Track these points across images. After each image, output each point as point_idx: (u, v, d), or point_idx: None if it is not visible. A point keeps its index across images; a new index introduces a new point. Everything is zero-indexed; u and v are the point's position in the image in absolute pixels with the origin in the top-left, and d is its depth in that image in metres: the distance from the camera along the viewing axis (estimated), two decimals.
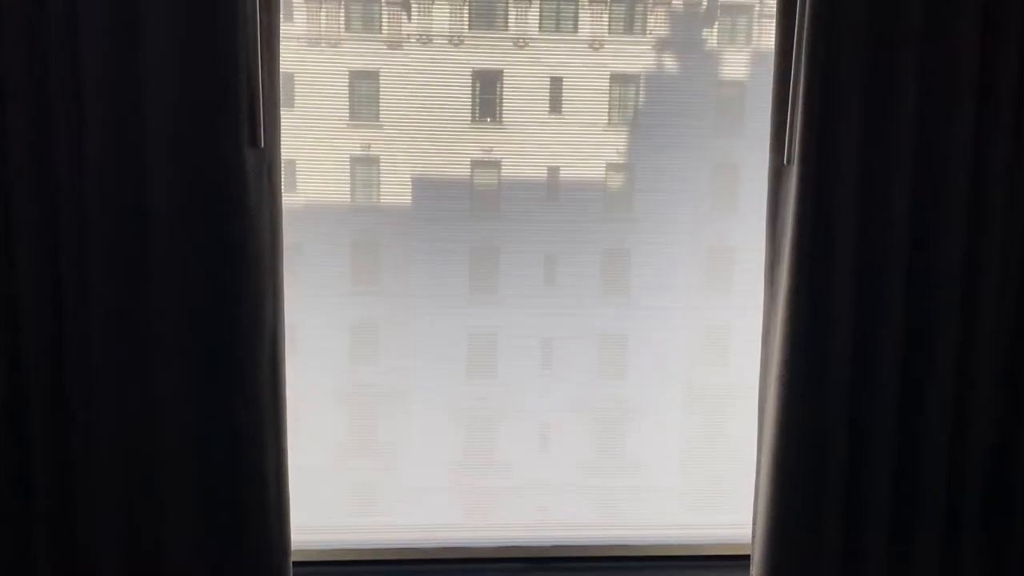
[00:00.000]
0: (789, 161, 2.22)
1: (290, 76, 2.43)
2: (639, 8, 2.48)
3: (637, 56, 2.49)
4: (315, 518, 2.51)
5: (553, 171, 2.53)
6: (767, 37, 2.41)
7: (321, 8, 2.43)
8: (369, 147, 2.48)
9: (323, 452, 2.53)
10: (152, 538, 2.17)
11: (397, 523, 2.59)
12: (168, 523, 2.18)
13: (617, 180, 2.55)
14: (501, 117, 2.51)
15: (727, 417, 2.41)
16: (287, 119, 2.44)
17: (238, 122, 2.09)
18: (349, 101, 2.47)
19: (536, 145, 2.51)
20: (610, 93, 2.51)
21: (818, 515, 2.28)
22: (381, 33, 2.45)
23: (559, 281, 2.55)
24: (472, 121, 2.50)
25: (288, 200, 2.46)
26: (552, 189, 2.52)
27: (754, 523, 2.38)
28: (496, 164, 2.51)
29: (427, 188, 2.50)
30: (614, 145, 2.53)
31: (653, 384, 2.58)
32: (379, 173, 2.50)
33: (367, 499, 2.58)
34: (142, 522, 2.17)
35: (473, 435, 2.58)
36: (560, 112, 2.51)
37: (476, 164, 2.51)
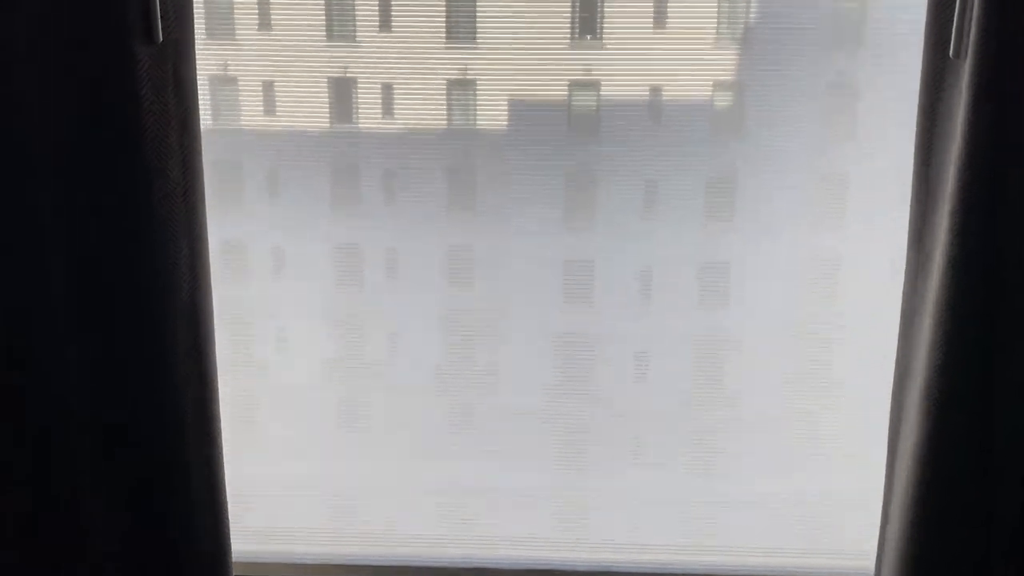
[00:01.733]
0: (958, 55, 1.54)
1: None
2: None
3: None
4: (414, 438, 2.58)
5: (655, 91, 2.41)
6: None
7: None
8: (466, 70, 2.43)
9: (421, 375, 2.57)
10: (59, 543, 1.84)
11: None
12: (78, 526, 1.85)
13: (725, 100, 2.41)
14: (601, 34, 2.40)
15: (832, 353, 2.29)
16: (384, 42, 2.42)
17: (124, 10, 1.54)
18: (446, 21, 2.41)
19: (638, 63, 2.39)
20: (719, 5, 2.35)
21: (976, 557, 1.74)
22: None
23: (659, 208, 2.46)
24: (571, 40, 2.40)
25: (385, 126, 2.46)
26: (654, 110, 2.41)
27: (879, 557, 2.02)
28: (595, 85, 2.41)
29: (523, 111, 2.44)
30: (722, 62, 2.39)
31: (756, 317, 2.48)
32: (475, 96, 2.45)
33: (464, 420, 2.61)
34: (44, 524, 1.84)
35: (569, 362, 2.56)
36: (664, 27, 2.38)
37: (574, 85, 2.42)
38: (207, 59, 2.36)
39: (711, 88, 2.38)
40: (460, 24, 2.40)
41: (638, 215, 2.45)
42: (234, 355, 2.47)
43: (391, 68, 2.41)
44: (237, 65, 2.44)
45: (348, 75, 2.42)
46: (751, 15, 2.35)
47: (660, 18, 2.37)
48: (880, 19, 2.26)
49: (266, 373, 2.53)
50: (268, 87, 2.43)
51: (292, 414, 2.56)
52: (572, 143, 2.43)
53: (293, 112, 2.45)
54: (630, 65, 2.38)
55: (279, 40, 2.40)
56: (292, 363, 2.54)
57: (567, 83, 2.40)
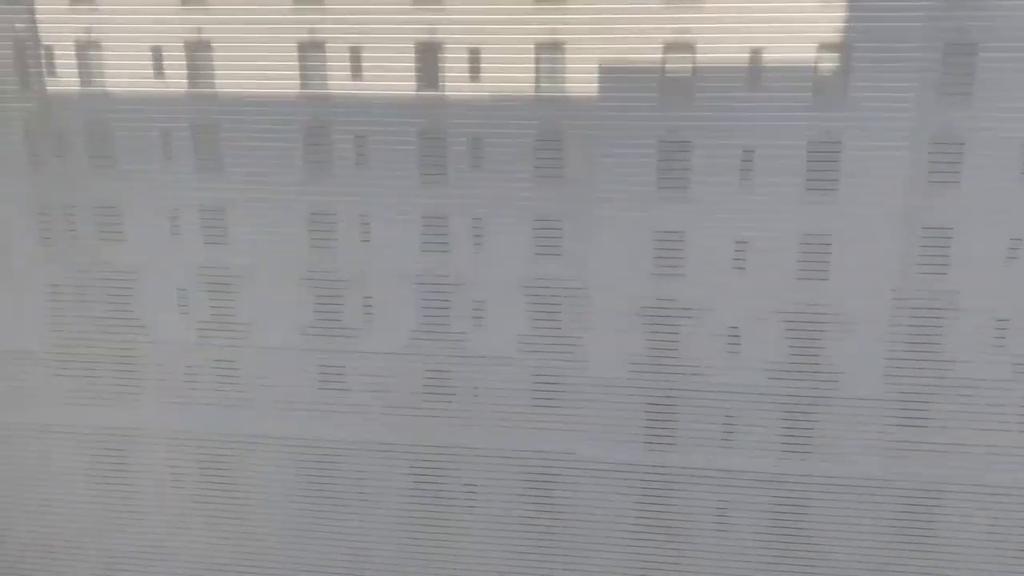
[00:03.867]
0: None
1: None
2: None
3: None
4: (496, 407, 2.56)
5: (755, 53, 2.28)
6: None
7: None
8: (555, 33, 2.35)
9: (505, 343, 2.54)
10: None
11: None
12: None
13: (830, 62, 2.27)
14: None
15: (941, 330, 2.16)
16: (471, 4, 2.35)
17: None
18: None
19: (737, 24, 2.26)
20: None
21: None
22: None
23: (757, 176, 2.34)
24: None
25: (472, 91, 2.40)
26: (753, 74, 2.29)
27: None
28: (691, 47, 2.30)
29: (614, 76, 2.35)
30: (827, 22, 2.24)
31: (858, 291, 2.35)
32: (565, 60, 2.37)
33: (550, 392, 2.57)
34: None
35: (657, 335, 2.49)
36: None
37: (669, 47, 2.31)
38: (295, 24, 2.34)
39: (815, 50, 2.24)
40: None
41: (734, 184, 2.34)
42: (321, 321, 2.48)
43: (478, 31, 2.35)
44: (324, 30, 2.42)
45: (435, 39, 2.37)
46: None
47: None
48: None
49: (352, 340, 2.54)
50: (355, 52, 2.41)
51: (378, 381, 2.57)
52: (665, 108, 2.33)
53: (380, 77, 2.41)
54: (728, 26, 2.26)
55: (365, 3, 2.36)
56: (378, 331, 2.54)
57: (661, 45, 2.29)
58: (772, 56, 2.26)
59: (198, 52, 2.50)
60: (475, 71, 2.39)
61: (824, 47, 2.23)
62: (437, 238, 2.49)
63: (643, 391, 2.50)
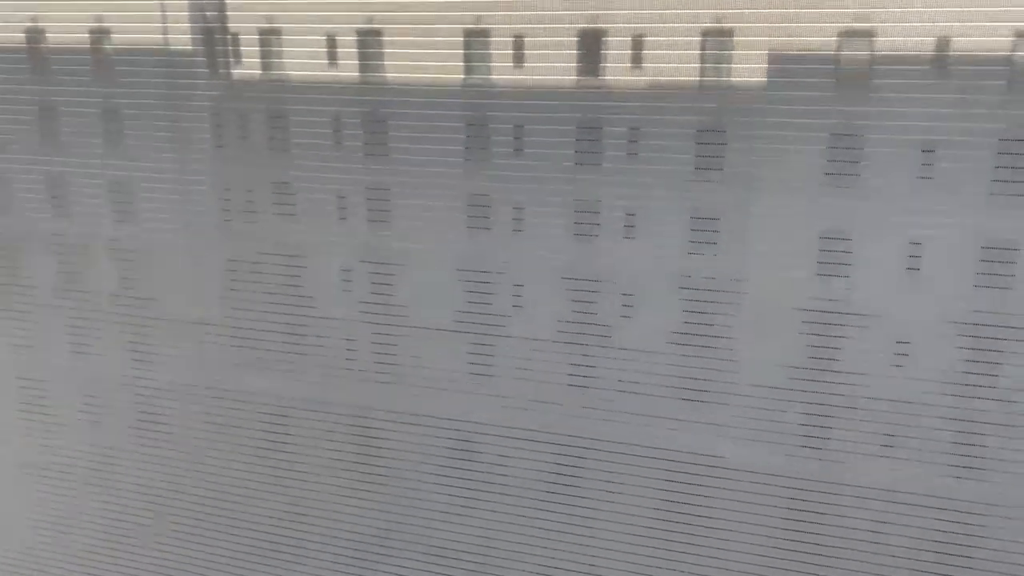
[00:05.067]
0: None
1: None
2: None
3: None
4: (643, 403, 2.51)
5: (942, 41, 2.12)
6: None
7: None
8: (721, 20, 2.27)
9: (652, 339, 2.49)
10: None
11: None
12: None
13: None
14: None
15: None
16: None
17: None
18: None
19: (921, 8, 2.11)
20: None
21: None
22: None
23: (937, 174, 2.18)
24: None
25: (631, 80, 2.36)
26: (938, 63, 2.12)
27: None
28: (868, 34, 2.16)
29: (785, 64, 2.24)
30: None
31: None
32: (732, 47, 2.28)
33: (696, 392, 2.50)
34: None
35: (816, 340, 2.36)
36: None
37: (844, 34, 2.18)
38: (461, 13, 2.38)
39: (1012, 36, 2.05)
40: None
41: (910, 181, 2.19)
42: (471, 308, 2.51)
43: (641, 16, 2.30)
44: (489, 19, 2.45)
45: (597, 26, 2.34)
46: None
47: None
48: None
49: (501, 327, 2.56)
50: (518, 40, 2.42)
51: (525, 369, 2.58)
52: (838, 99, 2.21)
53: (541, 68, 2.41)
54: (912, 11, 2.11)
55: None
56: (527, 318, 2.55)
57: (836, 32, 2.17)
58: (960, 44, 2.10)
59: (369, 40, 2.59)
60: (637, 59, 2.35)
61: (1020, 34, 2.04)
62: (588, 229, 2.47)
63: (800, 398, 2.39)
